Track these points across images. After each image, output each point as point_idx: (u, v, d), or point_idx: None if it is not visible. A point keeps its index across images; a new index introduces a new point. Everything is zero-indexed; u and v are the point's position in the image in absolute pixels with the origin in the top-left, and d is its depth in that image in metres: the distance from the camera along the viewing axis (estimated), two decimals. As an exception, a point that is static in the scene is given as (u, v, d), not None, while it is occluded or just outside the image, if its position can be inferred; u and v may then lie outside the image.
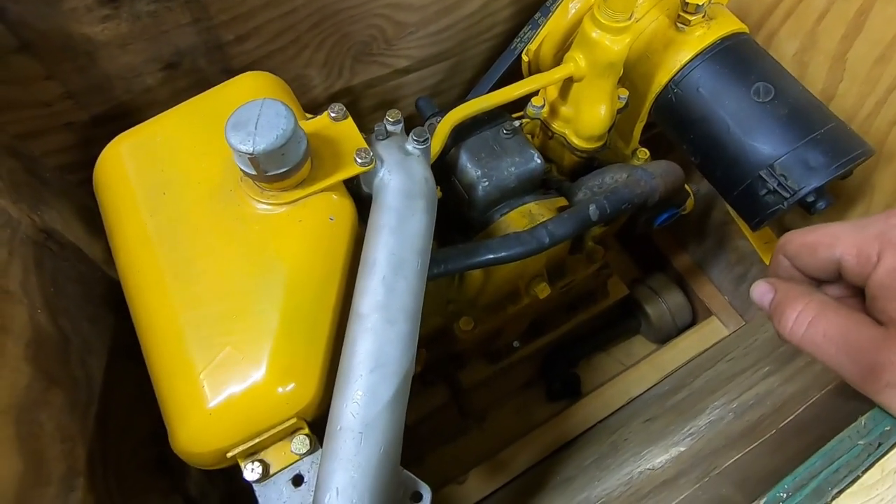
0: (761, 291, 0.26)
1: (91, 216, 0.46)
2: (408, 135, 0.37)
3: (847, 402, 0.24)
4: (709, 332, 0.83)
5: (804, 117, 0.45)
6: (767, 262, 0.63)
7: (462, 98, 0.69)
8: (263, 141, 0.28)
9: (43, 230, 0.38)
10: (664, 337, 0.84)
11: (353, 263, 0.33)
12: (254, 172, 0.30)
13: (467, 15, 0.58)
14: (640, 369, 0.79)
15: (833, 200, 0.47)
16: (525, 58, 0.55)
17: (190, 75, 0.45)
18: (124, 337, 0.41)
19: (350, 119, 0.35)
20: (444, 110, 0.51)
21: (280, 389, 0.29)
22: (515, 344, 0.73)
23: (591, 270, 0.55)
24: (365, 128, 0.65)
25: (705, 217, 0.81)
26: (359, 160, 0.33)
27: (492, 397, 0.81)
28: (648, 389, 0.76)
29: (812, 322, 0.23)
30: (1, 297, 0.30)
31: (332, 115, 0.34)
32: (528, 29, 0.54)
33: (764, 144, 0.46)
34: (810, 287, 0.26)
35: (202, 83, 0.47)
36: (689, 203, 0.59)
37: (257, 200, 0.32)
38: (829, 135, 0.44)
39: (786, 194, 0.45)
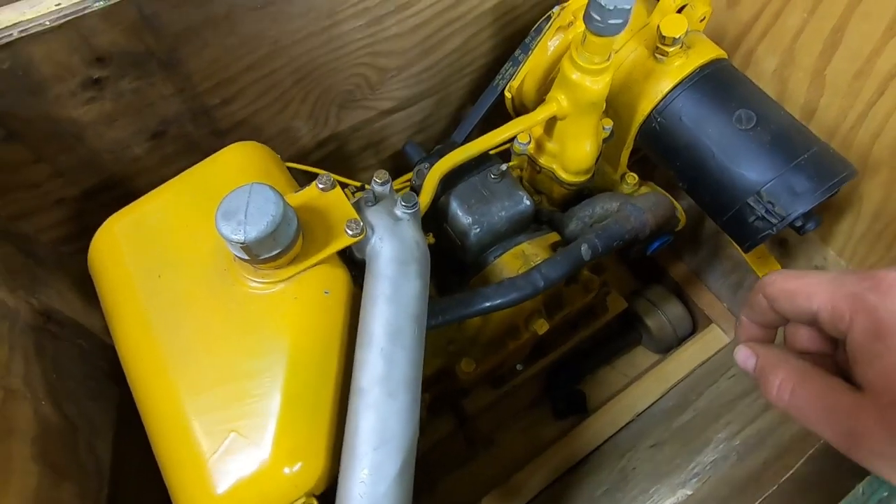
0: (744, 356, 0.27)
1: (88, 285, 0.47)
2: (396, 193, 0.37)
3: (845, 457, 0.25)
4: (710, 340, 0.83)
5: (787, 143, 0.46)
6: (760, 275, 0.64)
7: (448, 132, 0.69)
8: (254, 229, 0.29)
9: (42, 313, 0.38)
10: (666, 347, 0.85)
11: (351, 332, 0.34)
12: (246, 258, 0.30)
13: (448, 53, 0.58)
14: (644, 383, 0.80)
15: (821, 221, 0.48)
16: (508, 94, 0.55)
17: (177, 140, 0.46)
18: (127, 408, 0.41)
19: (338, 188, 0.35)
20: (431, 154, 0.51)
21: (287, 470, 0.30)
22: (519, 367, 0.74)
23: (588, 299, 0.56)
24: (355, 167, 0.66)
25: (699, 227, 0.81)
26: (349, 231, 0.33)
27: (498, 420, 0.81)
28: (654, 403, 0.76)
29: (794, 390, 0.24)
30: (5, 396, 0.30)
31: (321, 186, 0.35)
32: (510, 66, 0.55)
33: (749, 171, 0.46)
34: (788, 352, 0.26)
35: (190, 147, 0.47)
36: (682, 219, 0.59)
37: (252, 280, 0.33)
38: (813, 159, 0.45)
39: (774, 220, 0.45)
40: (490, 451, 0.78)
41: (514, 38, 0.60)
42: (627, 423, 0.75)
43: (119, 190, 0.46)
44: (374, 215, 0.35)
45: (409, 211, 0.35)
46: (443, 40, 0.56)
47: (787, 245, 0.68)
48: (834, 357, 0.26)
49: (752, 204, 0.46)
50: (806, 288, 0.25)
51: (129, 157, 0.44)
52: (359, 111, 0.57)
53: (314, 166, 0.54)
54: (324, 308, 0.33)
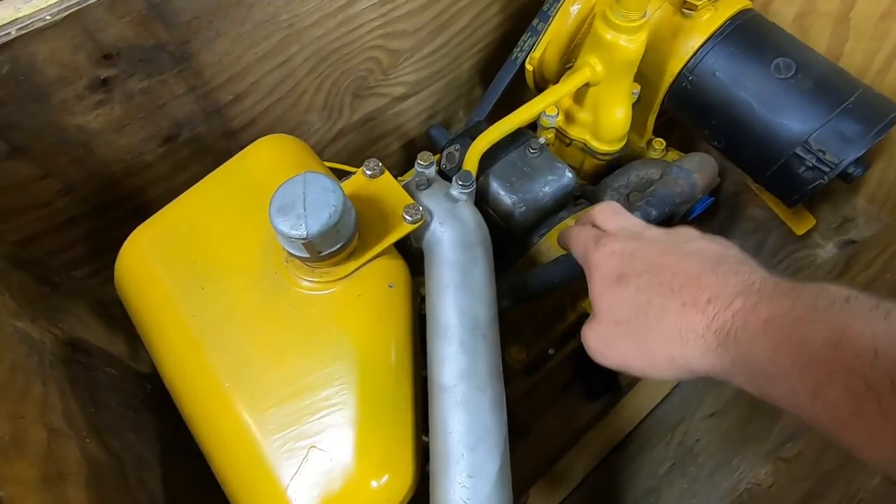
0: None
1: (105, 310, 0.43)
2: (449, 179, 0.35)
3: None
4: (737, 304, 0.82)
5: (831, 88, 0.44)
6: (798, 233, 0.63)
7: (459, 115, 0.67)
8: (316, 222, 0.26)
9: (68, 343, 0.35)
10: (693, 316, 0.83)
11: (416, 326, 0.31)
12: (307, 255, 0.27)
13: (459, 30, 0.55)
14: (677, 353, 0.78)
15: (869, 165, 0.46)
16: (529, 67, 0.52)
17: (190, 144, 0.42)
18: (169, 436, 0.38)
19: (387, 173, 0.32)
20: (459, 136, 0.48)
21: (374, 484, 0.27)
22: (551, 352, 0.71)
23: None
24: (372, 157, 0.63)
25: (716, 189, 0.80)
26: (408, 218, 0.30)
27: (532, 408, 0.79)
28: (691, 373, 0.75)
29: None
30: (49, 437, 0.27)
31: (368, 172, 0.32)
32: (528, 37, 0.52)
33: (794, 121, 0.44)
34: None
35: (203, 150, 0.44)
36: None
37: (308, 280, 0.30)
38: (860, 102, 0.43)
39: (826, 168, 0.44)
40: (527, 441, 0.77)
41: (522, 13, 0.58)
42: (666, 397, 0.74)
43: (131, 203, 0.43)
44: (430, 199, 0.32)
45: (466, 191, 0.32)
46: (454, 16, 0.53)
47: (812, 197, 0.67)
48: None
49: (800, 154, 0.44)
50: None
51: (141, 165, 0.41)
52: (372, 98, 0.54)
53: (330, 161, 0.51)
54: (390, 303, 0.30)
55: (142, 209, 0.42)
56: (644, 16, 0.41)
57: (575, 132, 0.50)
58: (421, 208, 0.31)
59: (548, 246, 0.45)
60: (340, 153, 0.57)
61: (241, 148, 0.37)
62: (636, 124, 0.56)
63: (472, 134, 0.44)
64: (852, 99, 0.43)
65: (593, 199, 0.52)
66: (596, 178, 0.55)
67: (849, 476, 0.26)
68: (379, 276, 0.30)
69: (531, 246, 0.45)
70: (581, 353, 0.89)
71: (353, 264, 0.30)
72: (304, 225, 0.26)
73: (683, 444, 0.52)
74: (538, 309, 0.48)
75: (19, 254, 0.37)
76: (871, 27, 0.50)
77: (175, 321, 0.31)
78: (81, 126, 0.35)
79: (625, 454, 0.68)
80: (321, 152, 0.55)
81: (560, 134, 0.52)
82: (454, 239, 0.31)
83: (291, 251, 0.27)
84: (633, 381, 0.77)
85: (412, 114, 0.60)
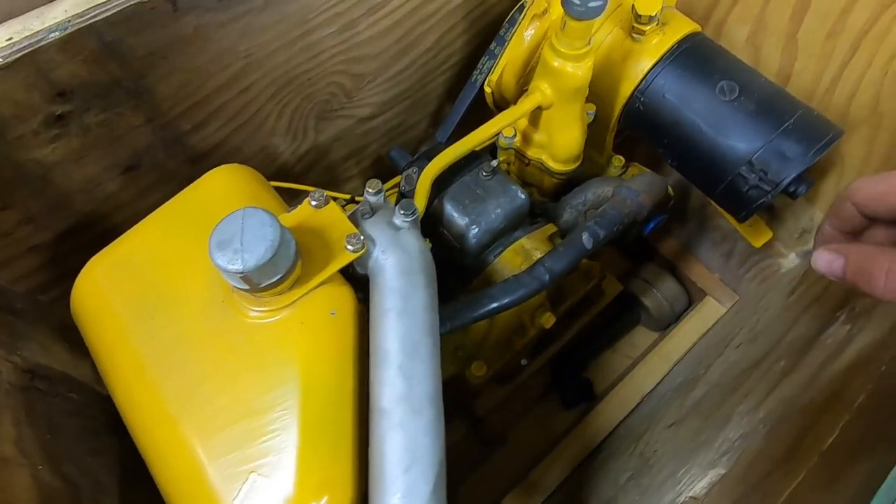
0: (827, 260, 0.27)
1: (70, 334, 0.44)
2: (390, 202, 0.36)
3: (888, 417, 0.24)
4: (707, 313, 0.84)
5: (772, 109, 0.46)
6: (756, 245, 0.64)
7: (428, 133, 0.68)
8: (252, 257, 0.27)
9: (27, 370, 0.36)
10: (665, 324, 0.85)
11: (361, 351, 0.32)
12: (246, 287, 0.28)
13: (423, 52, 0.57)
14: (648, 362, 0.80)
15: (813, 183, 0.48)
16: (488, 89, 0.54)
17: (152, 172, 0.43)
18: (132, 461, 0.39)
19: (333, 203, 0.34)
20: (418, 158, 0.50)
21: (315, 505, 0.28)
22: (524, 362, 0.73)
23: (591, 287, 0.55)
24: (339, 178, 0.64)
25: (685, 200, 0.81)
26: (350, 247, 0.32)
27: (510, 417, 0.80)
28: (661, 382, 0.76)
29: None
30: (-1, 466, 0.28)
31: (314, 203, 0.33)
32: (486, 59, 0.54)
33: (738, 142, 0.46)
34: (880, 246, 0.26)
35: (166, 177, 0.45)
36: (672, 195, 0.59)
37: (253, 309, 0.31)
38: (800, 123, 0.45)
39: (767, 188, 0.45)
40: (504, 449, 0.78)
41: (487, 32, 0.60)
42: (637, 406, 0.75)
43: (95, 230, 0.44)
44: (374, 227, 0.34)
45: (408, 219, 0.34)
46: (417, 39, 0.55)
47: (773, 210, 0.69)
48: None
49: (744, 174, 0.46)
50: None
51: (103, 194, 0.42)
52: (337, 120, 0.55)
53: (296, 182, 0.52)
54: (332, 330, 0.31)
55: (106, 234, 0.43)
56: (588, 44, 0.42)
57: (532, 152, 0.52)
58: (363, 237, 0.32)
59: (503, 264, 0.46)
60: (308, 174, 0.58)
61: (207, 171, 0.39)
62: (596, 142, 0.58)
63: (430, 156, 0.46)
64: (792, 120, 0.45)
65: (552, 217, 0.53)
66: (556, 195, 0.56)
67: (768, 488, 0.27)
68: (322, 303, 0.31)
69: (487, 265, 0.47)
70: (557, 363, 0.90)
71: (296, 293, 0.31)
72: (240, 259, 0.27)
73: (643, 454, 0.54)
74: (497, 326, 0.49)
75: (-20, 283, 0.38)
76: (818, 47, 0.52)
77: (125, 349, 0.32)
78: (38, 160, 0.36)
79: (595, 463, 0.69)
80: (288, 173, 0.56)
81: (519, 154, 0.53)
82: (396, 266, 0.32)
83: (232, 283, 0.29)
84: (607, 389, 0.79)
85: (380, 133, 0.62)
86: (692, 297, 0.87)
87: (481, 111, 0.57)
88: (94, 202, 0.42)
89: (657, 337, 0.85)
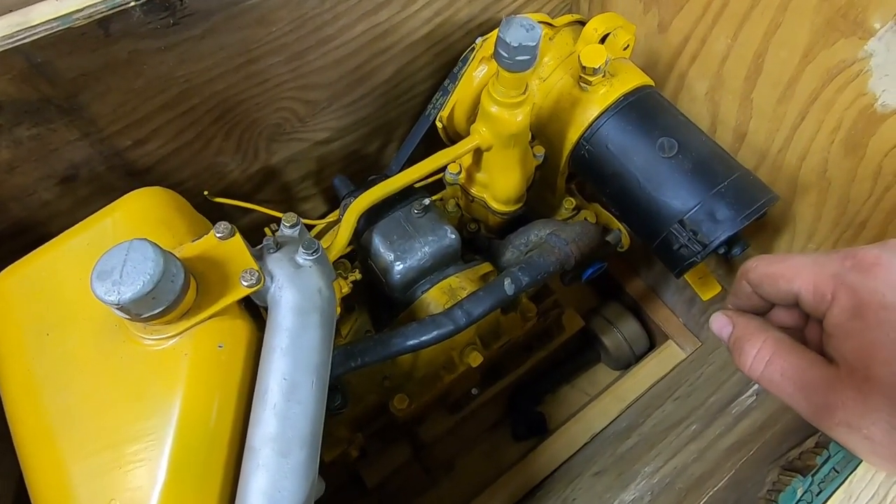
0: (720, 324, 0.27)
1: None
2: (308, 236, 0.37)
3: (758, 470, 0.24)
4: (666, 357, 0.83)
5: (708, 170, 0.46)
6: (704, 298, 0.64)
7: (390, 159, 0.69)
8: (129, 290, 0.27)
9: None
10: (624, 364, 0.85)
11: (251, 386, 0.32)
12: (127, 317, 0.29)
13: (382, 81, 0.58)
14: (602, 401, 0.79)
15: (748, 245, 0.48)
16: (439, 124, 0.55)
17: (90, 183, 0.45)
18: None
19: (238, 236, 0.34)
20: (362, 187, 0.50)
21: (172, 540, 0.28)
22: (474, 391, 0.73)
23: (527, 328, 0.55)
24: (295, 197, 0.65)
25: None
26: (244, 282, 0.32)
27: (458, 444, 0.80)
28: (610, 423, 0.76)
29: (770, 360, 0.24)
30: None
31: (218, 235, 0.34)
32: (440, 95, 0.55)
33: (673, 199, 0.46)
34: (766, 323, 0.27)
35: (105, 188, 0.46)
36: (625, 241, 0.59)
37: (143, 337, 0.31)
38: (733, 186, 0.45)
39: (697, 248, 0.45)
40: (451, 477, 0.77)
41: (450, 65, 0.60)
42: (583, 446, 0.75)
43: (31, 235, 0.45)
44: (275, 263, 0.34)
45: (310, 258, 0.34)
46: (374, 70, 0.55)
47: (731, 263, 0.68)
48: (804, 331, 0.27)
49: (676, 231, 0.46)
50: (788, 271, 0.25)
51: (38, 202, 0.43)
52: (292, 143, 0.56)
53: (248, 199, 0.53)
54: (216, 364, 0.31)
55: (43, 239, 0.44)
56: (523, 93, 0.43)
57: (475, 191, 0.52)
58: (259, 272, 0.33)
59: (428, 301, 0.47)
60: (261, 191, 0.59)
61: (149, 186, 0.40)
62: (548, 184, 0.58)
63: (371, 187, 0.46)
64: (726, 182, 0.45)
65: (494, 254, 0.54)
66: (502, 233, 0.56)
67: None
68: (209, 336, 0.32)
69: (414, 300, 0.47)
70: (513, 394, 0.90)
71: (185, 323, 0.31)
72: (117, 292, 0.27)
73: (566, 500, 0.53)
74: (423, 360, 0.49)
75: None
76: (771, 109, 0.52)
77: (19, 362, 0.33)
78: (-33, 169, 0.37)
79: (533, 500, 0.69)
80: (238, 189, 0.57)
81: (464, 190, 0.54)
82: (290, 304, 0.33)
83: (115, 312, 0.29)
84: (561, 423, 0.78)
85: (338, 156, 0.63)
86: (654, 340, 0.86)
87: (438, 144, 0.58)
88: (28, 210, 0.43)
89: (617, 375, 0.85)
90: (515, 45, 0.37)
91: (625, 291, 0.89)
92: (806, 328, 0.27)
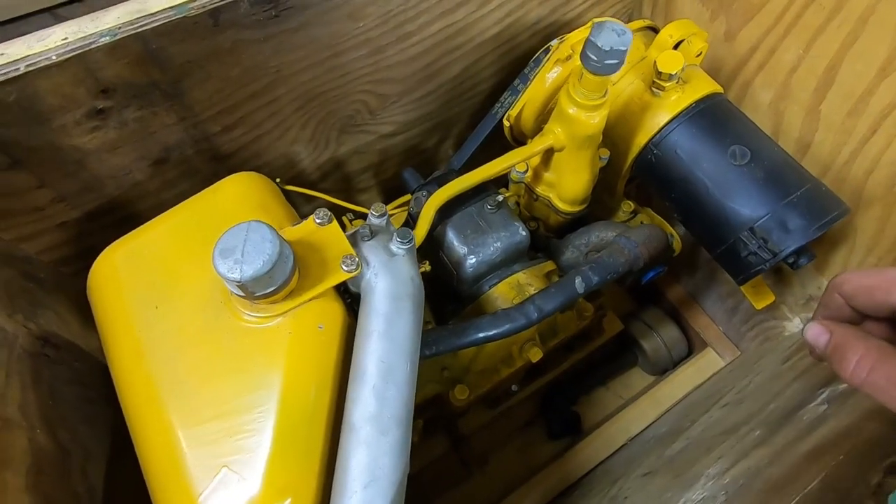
0: (816, 333, 0.28)
1: (86, 306, 0.47)
2: (393, 227, 0.38)
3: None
4: (705, 364, 0.83)
5: (781, 179, 0.46)
6: (757, 307, 0.64)
7: (448, 155, 0.70)
8: (251, 268, 0.29)
9: (40, 337, 0.39)
10: (661, 369, 0.85)
11: (346, 366, 0.34)
12: (243, 295, 0.31)
13: (450, 79, 0.59)
14: (639, 405, 0.80)
15: (814, 256, 0.48)
16: (506, 123, 0.56)
17: (179, 166, 0.46)
18: (122, 433, 0.41)
19: (335, 223, 0.36)
20: (429, 182, 0.52)
21: (277, 505, 0.30)
22: (514, 388, 0.74)
23: (582, 326, 0.56)
24: (354, 188, 0.66)
25: (696, 250, 0.81)
26: (345, 267, 0.34)
27: (493, 440, 0.81)
28: (647, 427, 0.76)
29: (874, 367, 0.25)
30: (1, 426, 0.31)
31: (318, 220, 0.35)
32: (509, 94, 0.55)
33: (743, 207, 0.47)
34: (865, 332, 0.27)
35: (191, 171, 0.48)
36: (677, 246, 0.60)
37: (248, 314, 0.33)
38: (806, 196, 0.45)
39: (767, 256, 0.46)
40: (484, 471, 0.78)
41: (514, 66, 0.61)
42: (620, 448, 0.75)
43: (121, 213, 0.47)
44: (370, 250, 0.36)
45: (404, 247, 0.36)
46: (443, 68, 0.57)
47: (782, 273, 0.68)
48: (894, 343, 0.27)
49: (745, 239, 0.46)
50: (885, 283, 0.26)
51: (131, 181, 0.45)
52: (359, 135, 0.58)
53: (313, 187, 0.55)
54: (317, 343, 0.33)
55: (130, 218, 0.46)
56: (603, 96, 0.44)
57: (541, 190, 0.53)
58: (358, 259, 0.34)
59: (496, 296, 0.48)
60: (325, 181, 0.61)
61: (230, 171, 0.41)
62: (608, 186, 0.59)
63: (440, 182, 0.48)
64: (798, 192, 0.45)
65: (554, 253, 0.55)
66: (561, 233, 0.57)
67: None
68: (311, 317, 0.33)
69: (481, 294, 0.48)
70: (548, 392, 0.91)
71: (289, 304, 0.33)
72: (239, 270, 0.29)
73: (614, 498, 0.54)
74: (485, 353, 0.50)
75: (10, 251, 0.41)
76: (839, 122, 0.52)
77: (129, 332, 0.34)
78: (77, 146, 0.39)
79: (569, 498, 0.70)
80: (306, 178, 0.59)
81: (528, 189, 0.55)
82: (385, 290, 0.34)
83: (230, 289, 0.31)
84: (595, 425, 0.79)
85: (399, 150, 0.64)
86: (693, 347, 0.86)
87: (499, 142, 0.59)
88: (122, 188, 0.45)
89: (652, 381, 0.85)
90: (607, 48, 0.38)
91: (665, 297, 0.89)
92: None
